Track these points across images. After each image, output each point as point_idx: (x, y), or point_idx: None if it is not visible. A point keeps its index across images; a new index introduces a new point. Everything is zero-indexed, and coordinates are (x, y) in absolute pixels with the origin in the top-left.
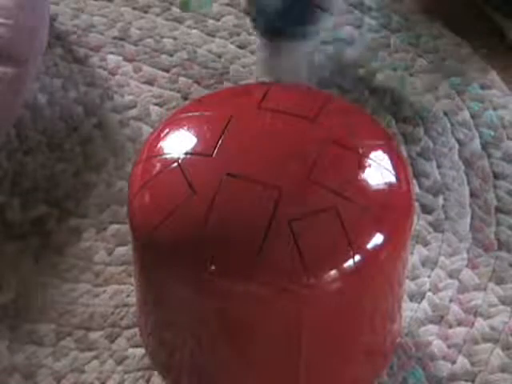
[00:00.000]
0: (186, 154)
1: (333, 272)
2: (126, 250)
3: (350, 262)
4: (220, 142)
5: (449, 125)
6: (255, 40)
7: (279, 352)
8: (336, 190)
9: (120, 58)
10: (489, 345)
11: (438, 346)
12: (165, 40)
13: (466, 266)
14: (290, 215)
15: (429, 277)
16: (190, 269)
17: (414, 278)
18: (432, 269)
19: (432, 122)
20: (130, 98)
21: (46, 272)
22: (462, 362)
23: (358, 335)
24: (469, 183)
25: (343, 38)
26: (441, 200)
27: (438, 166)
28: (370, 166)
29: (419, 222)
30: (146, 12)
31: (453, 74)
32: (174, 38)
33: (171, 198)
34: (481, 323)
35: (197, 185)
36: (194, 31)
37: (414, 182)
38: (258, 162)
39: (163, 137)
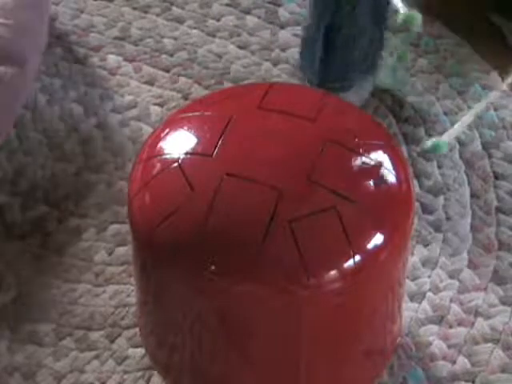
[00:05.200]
0: (186, 154)
1: (333, 272)
2: (125, 250)
3: (350, 262)
4: (220, 142)
5: (449, 125)
6: (255, 40)
7: (279, 352)
8: (336, 190)
9: (120, 58)
10: (489, 345)
11: (438, 346)
12: (165, 40)
13: (467, 266)
14: (290, 215)
15: (429, 277)
16: (190, 269)
17: (414, 278)
18: (432, 269)
19: (432, 122)
20: (130, 98)
21: (46, 272)
22: (462, 362)
23: (358, 335)
24: (469, 183)
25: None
26: (441, 200)
27: (439, 167)
28: (370, 165)
29: (419, 222)
30: (146, 12)
31: (453, 74)
32: (175, 38)
33: (171, 198)
34: (481, 323)
35: (197, 185)
36: (194, 31)
37: (415, 182)
38: (258, 161)
39: (163, 137)
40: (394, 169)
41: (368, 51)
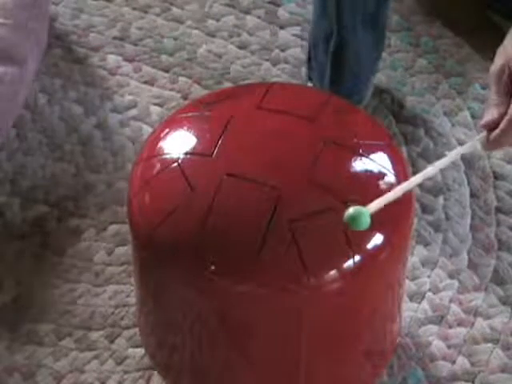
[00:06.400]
0: (186, 154)
1: (333, 272)
2: (125, 250)
3: (349, 262)
4: (220, 142)
5: (449, 125)
6: (255, 40)
7: (279, 352)
8: (336, 190)
9: (120, 58)
10: (489, 345)
11: (438, 346)
12: (165, 40)
13: (467, 266)
14: (290, 215)
15: (429, 277)
16: (190, 269)
17: (414, 278)
18: (432, 269)
19: (432, 122)
20: (130, 98)
21: (46, 272)
22: (462, 362)
23: (358, 335)
24: (469, 183)
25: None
26: (441, 200)
27: None
28: (370, 165)
29: (419, 222)
30: (146, 12)
31: (453, 74)
32: (174, 38)
33: (171, 197)
34: (481, 323)
35: (197, 185)
36: (194, 31)
37: None
38: (257, 162)
39: (163, 137)
40: (393, 169)
41: (373, 57)
